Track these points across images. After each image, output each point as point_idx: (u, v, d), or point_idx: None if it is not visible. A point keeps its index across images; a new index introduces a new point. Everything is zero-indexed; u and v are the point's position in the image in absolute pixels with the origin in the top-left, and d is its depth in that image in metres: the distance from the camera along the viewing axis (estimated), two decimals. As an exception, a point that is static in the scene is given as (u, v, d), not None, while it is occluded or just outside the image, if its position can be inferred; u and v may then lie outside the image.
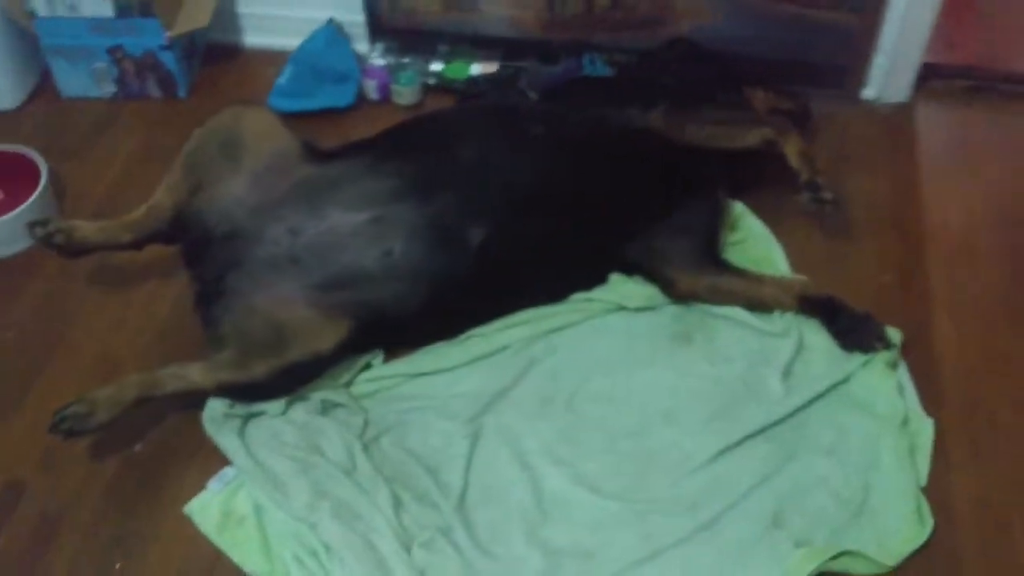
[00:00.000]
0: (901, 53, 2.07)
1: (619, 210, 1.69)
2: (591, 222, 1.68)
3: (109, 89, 2.20)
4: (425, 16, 2.18)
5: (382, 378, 1.64)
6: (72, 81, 2.19)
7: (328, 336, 1.52)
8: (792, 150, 1.68)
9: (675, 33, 2.08)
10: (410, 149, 1.66)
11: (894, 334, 1.63)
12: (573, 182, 1.65)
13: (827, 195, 1.67)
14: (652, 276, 1.72)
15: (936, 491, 1.46)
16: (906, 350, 1.64)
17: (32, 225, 1.63)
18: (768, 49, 2.08)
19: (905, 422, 1.54)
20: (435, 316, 1.62)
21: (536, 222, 1.62)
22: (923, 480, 1.47)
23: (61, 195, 1.99)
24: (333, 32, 2.19)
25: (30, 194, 1.84)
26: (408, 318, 1.60)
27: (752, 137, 1.71)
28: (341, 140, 1.93)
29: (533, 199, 1.62)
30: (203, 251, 1.63)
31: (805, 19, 2.01)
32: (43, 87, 2.27)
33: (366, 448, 1.52)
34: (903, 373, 1.62)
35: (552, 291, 1.71)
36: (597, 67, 2.14)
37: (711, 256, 1.72)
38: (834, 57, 2.08)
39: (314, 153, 1.70)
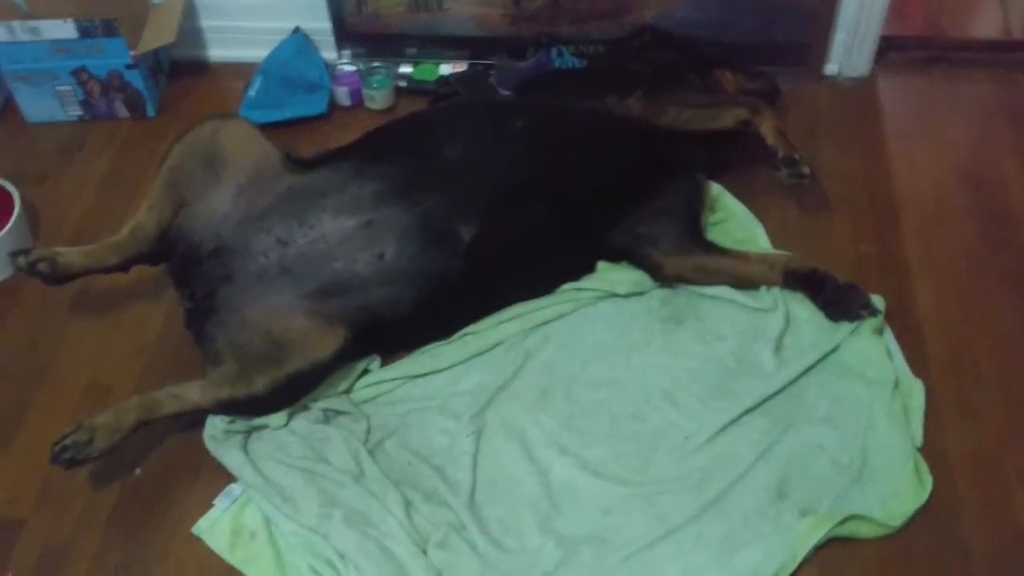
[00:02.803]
0: (861, 28, 2.12)
1: (603, 198, 1.71)
2: (577, 211, 1.70)
3: (75, 112, 2.17)
4: (391, 19, 2.18)
5: (381, 382, 1.64)
6: (37, 106, 2.15)
7: (326, 344, 1.52)
8: (767, 128, 1.72)
9: (640, 21, 2.10)
10: (394, 152, 1.67)
11: (878, 301, 1.67)
12: (557, 173, 1.67)
13: (805, 169, 1.70)
14: (639, 261, 1.74)
15: (932, 450, 1.50)
16: (889, 316, 1.68)
17: (14, 255, 1.61)
18: (732, 32, 2.11)
19: (896, 385, 1.58)
20: (430, 316, 1.63)
21: (524, 216, 1.64)
22: (918, 440, 1.52)
23: (36, 222, 1.96)
24: (301, 41, 2.19)
25: (3, 224, 1.82)
26: (403, 320, 1.60)
27: (728, 118, 1.75)
28: (316, 149, 1.93)
29: (520, 193, 1.63)
30: (192, 268, 1.62)
31: (766, 1, 2.05)
32: (8, 113, 2.24)
33: (372, 453, 1.52)
34: (889, 338, 1.67)
35: (543, 283, 1.73)
36: (565, 59, 2.16)
37: (695, 237, 1.75)
38: (797, 36, 2.12)
39: (296, 163, 1.70)
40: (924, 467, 1.47)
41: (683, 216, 1.76)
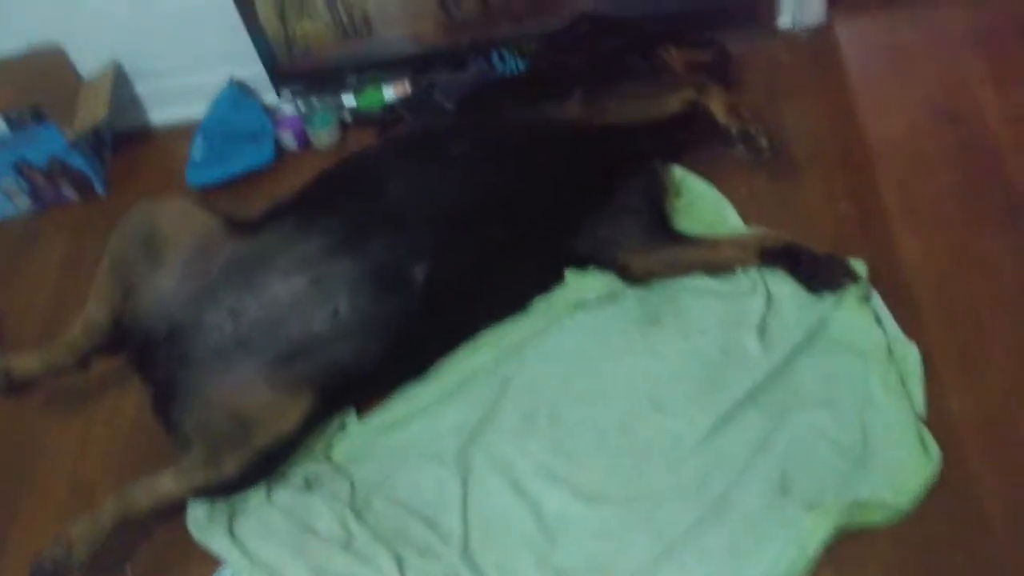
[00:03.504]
0: (806, -26, 2.02)
1: (558, 207, 1.64)
2: (533, 226, 1.63)
3: (24, 204, 2.14)
4: (323, 53, 2.12)
5: (359, 436, 1.59)
6: (-16, 205, 2.14)
7: (293, 412, 1.47)
8: (717, 106, 1.63)
9: (576, 10, 2.02)
10: (334, 200, 1.61)
11: (859, 266, 1.58)
12: (505, 192, 1.60)
13: (763, 142, 1.62)
14: (606, 264, 1.67)
15: (937, 416, 1.42)
16: (876, 277, 1.60)
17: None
18: (674, 2, 2.02)
19: (890, 352, 1.50)
20: (398, 361, 1.58)
21: (477, 242, 1.57)
22: (920, 409, 1.43)
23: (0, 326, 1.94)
24: (236, 92, 2.14)
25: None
26: (371, 371, 1.55)
27: (674, 102, 1.66)
28: (269, 198, 1.89)
29: (467, 220, 1.57)
30: (149, 354, 1.57)
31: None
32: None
33: (359, 514, 1.48)
34: (877, 303, 1.58)
35: (511, 303, 1.67)
36: (507, 61, 2.08)
37: (660, 231, 1.67)
38: (738, -6, 2.03)
39: (238, 227, 1.65)
40: (929, 437, 1.38)
41: (645, 211, 1.68)
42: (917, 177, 1.77)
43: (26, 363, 1.57)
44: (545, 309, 1.68)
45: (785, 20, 2.10)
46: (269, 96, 2.22)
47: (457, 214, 1.55)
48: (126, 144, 2.28)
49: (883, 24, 2.10)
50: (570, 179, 1.65)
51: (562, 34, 1.95)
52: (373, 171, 1.63)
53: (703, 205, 1.80)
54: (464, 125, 1.71)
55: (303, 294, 1.52)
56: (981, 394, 1.44)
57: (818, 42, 2.08)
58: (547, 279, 1.68)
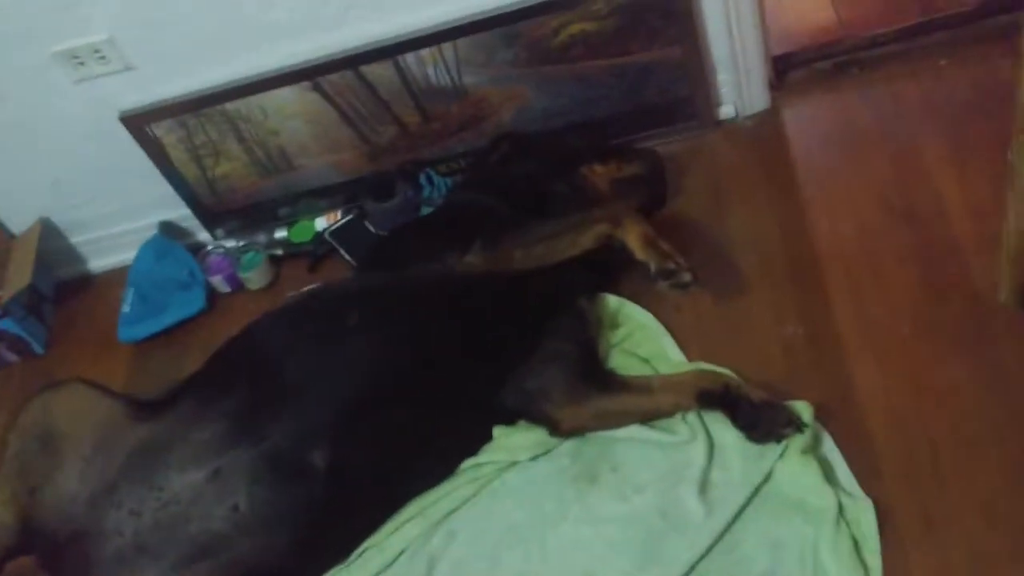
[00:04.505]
0: (741, 62, 1.86)
1: (474, 367, 1.53)
2: (448, 392, 1.51)
3: (-36, 372, 2.10)
4: (248, 190, 2.04)
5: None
6: (-76, 380, 2.09)
7: (198, 621, 1.38)
8: (633, 240, 1.49)
9: (500, 125, 1.91)
10: (231, 380, 1.51)
11: (804, 409, 1.44)
12: (410, 362, 1.48)
13: (685, 277, 1.47)
14: (534, 419, 1.55)
15: (895, 582, 1.28)
16: (828, 414, 1.46)
17: None
18: (602, 107, 1.90)
19: (842, 513, 1.35)
20: (311, 552, 1.47)
21: (381, 420, 1.46)
22: (877, 574, 1.29)
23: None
24: (160, 241, 2.07)
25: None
26: (284, 565, 1.44)
27: (587, 239, 1.53)
28: (206, 348, 1.82)
29: (369, 397, 1.45)
30: (55, 559, 1.50)
31: (624, 67, 1.83)
32: None
33: None
34: (829, 447, 1.43)
35: (436, 469, 1.55)
36: (435, 182, 1.98)
37: (590, 378, 1.54)
38: (673, 91, 1.88)
39: (142, 409, 1.56)
40: (886, 616, 1.24)
41: (572, 357, 1.55)
42: (872, 288, 1.61)
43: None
44: (473, 473, 1.56)
45: (727, 110, 1.96)
46: (203, 234, 2.16)
47: (356, 393, 1.44)
48: (68, 294, 2.23)
49: (831, 104, 1.94)
50: (485, 334, 1.53)
51: (484, 156, 1.85)
52: (270, 345, 1.54)
53: (642, 336, 1.67)
54: (363, 288, 1.60)
55: (201, 489, 1.42)
56: (944, 554, 1.29)
57: (763, 130, 1.94)
58: (473, 440, 1.56)
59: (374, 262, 1.68)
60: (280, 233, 2.09)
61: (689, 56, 1.82)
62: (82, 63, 1.79)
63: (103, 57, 1.78)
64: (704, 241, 1.78)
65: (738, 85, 1.90)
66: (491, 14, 1.72)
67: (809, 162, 1.85)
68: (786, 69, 1.97)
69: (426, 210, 1.97)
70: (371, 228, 2.00)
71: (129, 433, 1.52)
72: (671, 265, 1.48)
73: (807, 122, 1.93)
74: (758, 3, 1.80)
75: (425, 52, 1.78)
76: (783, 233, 1.74)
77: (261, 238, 2.09)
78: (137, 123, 1.89)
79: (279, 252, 2.07)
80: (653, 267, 1.49)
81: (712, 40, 1.83)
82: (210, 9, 1.73)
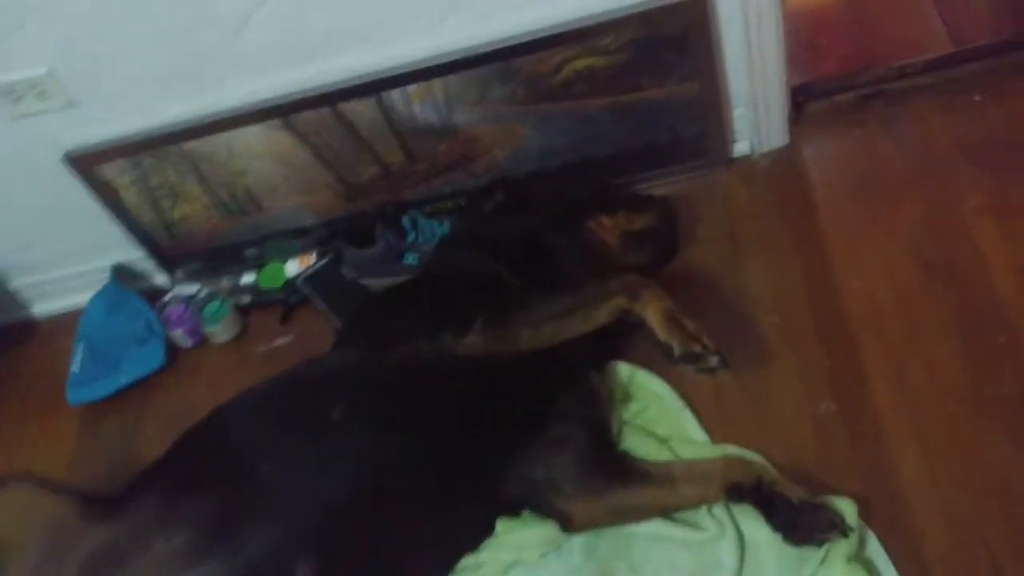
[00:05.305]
0: (760, 92, 1.69)
1: (474, 459, 1.35)
2: (445, 483, 1.33)
3: None
4: (210, 233, 1.83)
5: None
6: None
7: None
8: (653, 317, 1.33)
9: (493, 166, 1.72)
10: (199, 479, 1.32)
11: (847, 508, 1.28)
12: (403, 454, 1.30)
13: (712, 362, 1.31)
14: (542, 512, 1.38)
15: None
16: (871, 507, 1.31)
17: None
18: (606, 145, 1.71)
19: (893, 633, 1.21)
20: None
21: (374, 519, 1.28)
22: None
23: None
24: (113, 291, 1.85)
25: None
26: None
27: (601, 314, 1.35)
28: (167, 409, 1.66)
29: (357, 497, 1.27)
30: None
31: (632, 104, 1.65)
32: None
33: None
34: (875, 548, 1.28)
35: (430, 570, 1.38)
36: (421, 226, 1.78)
37: (604, 467, 1.37)
38: (685, 127, 1.70)
39: (97, 507, 1.36)
40: None
41: (583, 442, 1.38)
42: (911, 357, 1.45)
43: None
44: (473, 572, 1.40)
45: (742, 147, 1.78)
46: (160, 277, 1.95)
47: (343, 494, 1.25)
48: (10, 343, 2.01)
49: (856, 141, 1.77)
50: (486, 419, 1.35)
51: (477, 205, 1.66)
52: (243, 437, 1.34)
53: (658, 411, 1.50)
54: (347, 373, 1.39)
55: (166, 615, 1.25)
56: None
57: (782, 169, 1.77)
58: (473, 534, 1.39)
59: (358, 334, 1.49)
60: (247, 278, 1.89)
61: (705, 91, 1.64)
62: (19, 98, 1.57)
63: (42, 92, 1.56)
64: (721, 298, 1.62)
65: (755, 120, 1.73)
66: (487, 49, 1.53)
67: (833, 207, 1.68)
68: (805, 100, 1.80)
69: (410, 257, 1.78)
70: (349, 275, 1.81)
71: (82, 539, 1.32)
72: (697, 348, 1.31)
73: (829, 161, 1.77)
74: (781, 29, 1.63)
75: (412, 88, 1.58)
76: (808, 290, 1.59)
77: (226, 283, 1.88)
78: (84, 163, 1.67)
79: (246, 300, 1.87)
80: (677, 351, 1.32)
81: (730, 72, 1.65)
82: (165, 40, 1.52)
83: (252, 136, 1.64)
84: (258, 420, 1.36)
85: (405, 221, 1.79)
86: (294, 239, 1.86)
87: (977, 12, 1.86)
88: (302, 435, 1.31)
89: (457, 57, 1.55)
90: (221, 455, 1.35)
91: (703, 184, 1.78)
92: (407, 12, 1.53)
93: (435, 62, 1.55)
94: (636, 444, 1.47)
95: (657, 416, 1.51)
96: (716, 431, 1.47)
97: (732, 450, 1.42)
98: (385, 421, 1.31)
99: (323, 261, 1.84)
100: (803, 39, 1.84)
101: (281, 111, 1.61)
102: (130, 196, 1.73)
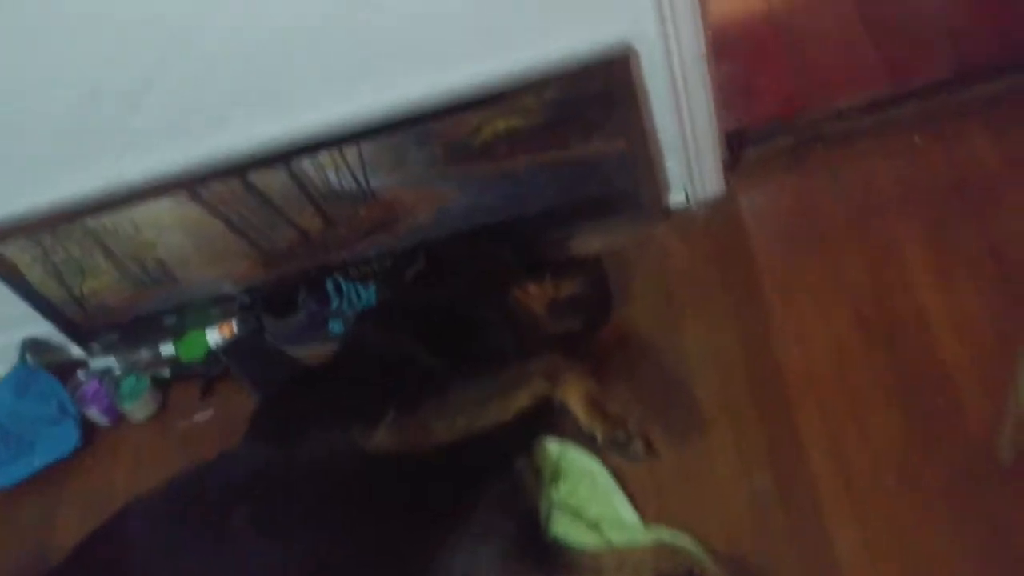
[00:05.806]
0: (691, 142, 1.62)
1: (391, 556, 1.27)
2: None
3: None
4: (125, 305, 1.73)
5: None
6: None
7: None
8: (575, 403, 1.26)
9: (417, 227, 1.64)
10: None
11: (782, 600, 1.23)
12: (309, 563, 1.23)
13: (637, 448, 1.25)
14: (467, 607, 1.32)
15: None
16: (810, 591, 1.26)
17: None
18: (535, 203, 1.64)
19: None
20: None
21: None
22: None
23: None
24: (20, 373, 1.75)
25: None
26: None
27: (520, 401, 1.29)
28: (85, 491, 1.59)
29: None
30: None
31: (559, 162, 1.57)
32: None
33: None
34: (813, 640, 1.24)
35: None
36: (345, 290, 1.70)
37: (529, 557, 1.31)
38: (615, 181, 1.63)
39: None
40: None
41: (509, 534, 1.31)
42: (850, 428, 1.39)
43: None
44: (398, 675, 1.33)
45: (678, 197, 1.71)
46: (76, 349, 1.85)
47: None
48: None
49: (794, 189, 1.71)
50: (402, 518, 1.28)
51: (396, 273, 1.58)
52: (142, 546, 1.25)
53: (589, 490, 1.43)
54: (248, 475, 1.30)
55: None
56: None
57: (718, 220, 1.70)
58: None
59: (269, 428, 1.40)
60: (167, 349, 1.79)
61: (634, 145, 1.57)
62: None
63: (-78, 171, 1.47)
64: (656, 361, 1.55)
65: (688, 170, 1.66)
66: (400, 114, 1.45)
67: (771, 260, 1.62)
68: (741, 146, 1.73)
69: (334, 324, 1.70)
70: (271, 343, 1.73)
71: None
72: (621, 436, 1.25)
73: (767, 211, 1.70)
74: (709, 77, 1.56)
75: (324, 156, 1.51)
76: (746, 352, 1.52)
77: (145, 354, 1.79)
78: (-21, 243, 1.58)
79: (166, 374, 1.78)
80: (600, 438, 1.25)
81: (659, 124, 1.58)
82: (61, 116, 1.43)
83: (159, 209, 1.55)
84: (158, 525, 1.27)
85: (328, 286, 1.71)
86: (214, 307, 1.78)
87: (916, 47, 1.80)
88: (202, 542, 1.23)
89: (370, 124, 1.46)
90: (119, 565, 1.27)
91: (638, 238, 1.71)
92: (316, 78, 1.45)
93: (347, 129, 1.47)
94: (566, 528, 1.40)
95: (588, 496, 1.43)
96: (650, 506, 1.40)
97: (665, 534, 1.35)
98: (290, 532, 1.23)
99: (245, 330, 1.76)
100: (738, 83, 1.77)
101: (187, 184, 1.52)
102: (33, 273, 1.63)
